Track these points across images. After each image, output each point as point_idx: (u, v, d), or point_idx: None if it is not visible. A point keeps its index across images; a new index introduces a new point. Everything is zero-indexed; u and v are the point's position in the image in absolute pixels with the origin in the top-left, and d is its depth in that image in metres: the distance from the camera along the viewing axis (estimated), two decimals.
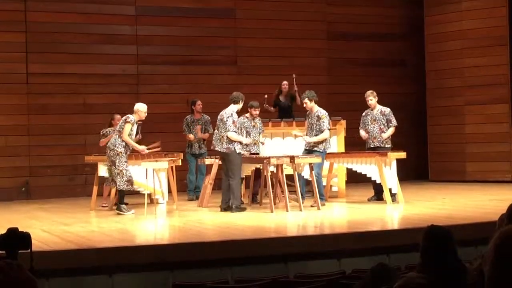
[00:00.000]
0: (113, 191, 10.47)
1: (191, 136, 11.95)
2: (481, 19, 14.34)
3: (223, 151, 9.86)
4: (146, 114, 10.12)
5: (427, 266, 3.22)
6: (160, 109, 13.50)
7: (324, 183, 10.91)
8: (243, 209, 9.90)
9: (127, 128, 9.82)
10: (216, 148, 10.00)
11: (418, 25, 15.27)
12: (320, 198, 10.15)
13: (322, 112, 10.40)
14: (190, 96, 12.48)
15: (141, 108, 10.06)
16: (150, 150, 10.42)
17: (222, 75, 14.25)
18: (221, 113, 10.06)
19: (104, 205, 10.98)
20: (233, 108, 9.96)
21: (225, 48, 14.37)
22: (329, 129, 10.38)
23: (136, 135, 10.27)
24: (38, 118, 13.07)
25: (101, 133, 11.25)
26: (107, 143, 10.26)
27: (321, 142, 10.34)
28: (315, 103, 10.47)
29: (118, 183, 9.81)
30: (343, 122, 11.82)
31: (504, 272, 1.89)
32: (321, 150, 10.33)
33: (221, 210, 9.92)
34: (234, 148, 9.79)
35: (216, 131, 10.11)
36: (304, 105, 10.51)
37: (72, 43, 13.30)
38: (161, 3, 14.00)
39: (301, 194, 10.01)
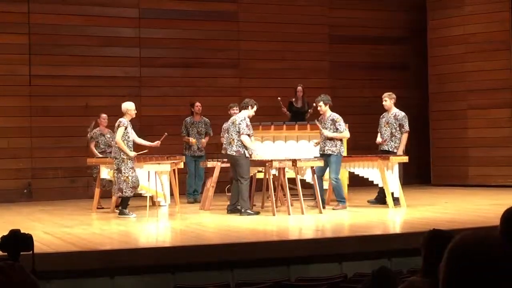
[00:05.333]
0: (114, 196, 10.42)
1: (193, 141, 11.95)
2: (484, 23, 14.33)
3: (233, 154, 9.87)
4: (136, 111, 10.15)
5: (429, 271, 3.21)
6: (162, 112, 13.52)
7: (326, 187, 10.91)
8: (256, 213, 9.89)
9: (119, 131, 9.83)
10: (227, 152, 10.01)
11: (421, 29, 15.27)
12: (341, 201, 10.31)
13: (337, 116, 10.47)
14: (192, 99, 12.49)
15: (129, 106, 10.08)
16: (139, 154, 10.30)
17: (224, 78, 14.26)
18: (233, 117, 10.15)
19: (99, 206, 10.96)
20: (245, 113, 10.00)
21: (227, 51, 14.38)
22: (347, 130, 10.46)
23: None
24: (41, 120, 13.08)
25: (89, 136, 11.34)
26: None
27: (335, 145, 10.34)
28: (330, 108, 10.51)
29: (124, 190, 9.79)
30: (345, 125, 11.79)
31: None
32: (336, 153, 10.35)
33: (228, 212, 9.89)
34: (244, 151, 9.82)
35: (226, 134, 10.12)
36: (318, 108, 10.55)
37: (75, 46, 13.32)
38: (164, 6, 14.01)
39: (322, 199, 10.16)
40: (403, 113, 10.87)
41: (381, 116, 11.04)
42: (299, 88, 12.63)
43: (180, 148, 12.23)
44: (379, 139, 10.93)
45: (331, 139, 10.34)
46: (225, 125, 10.57)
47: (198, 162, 11.91)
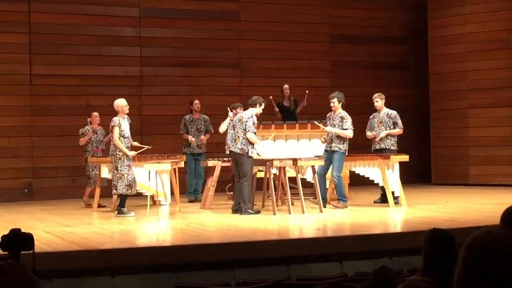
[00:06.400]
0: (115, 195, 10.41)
1: (192, 140, 11.95)
2: (485, 22, 14.33)
3: (237, 152, 9.85)
4: (128, 106, 10.10)
5: (429, 270, 3.21)
6: (163, 111, 13.52)
7: (327, 186, 10.92)
8: (257, 212, 9.88)
9: (115, 132, 9.85)
10: (230, 148, 10.00)
11: (422, 28, 15.27)
12: (342, 200, 10.35)
13: (345, 114, 10.55)
14: (193, 98, 12.49)
15: (120, 103, 10.06)
16: (138, 153, 10.29)
17: (225, 77, 14.26)
18: (240, 114, 10.13)
19: (100, 205, 10.94)
20: (252, 111, 9.99)
21: (228, 50, 14.38)
22: (352, 130, 10.47)
23: None
24: (41, 119, 13.08)
25: (80, 132, 11.43)
26: (89, 143, 11.06)
27: (343, 142, 10.37)
28: (342, 106, 10.57)
29: (118, 188, 9.82)
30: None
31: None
32: (342, 151, 10.40)
33: (232, 212, 9.89)
34: (248, 150, 9.81)
35: (232, 131, 10.08)
36: (331, 104, 10.62)
37: (75, 45, 13.32)
38: (165, 5, 14.01)
39: (322, 198, 10.16)
40: (395, 112, 10.97)
41: (372, 116, 11.09)
42: (286, 86, 12.66)
43: (181, 147, 12.22)
44: (369, 133, 10.97)
45: (339, 136, 10.39)
46: (233, 121, 10.45)
47: (198, 160, 11.90)
